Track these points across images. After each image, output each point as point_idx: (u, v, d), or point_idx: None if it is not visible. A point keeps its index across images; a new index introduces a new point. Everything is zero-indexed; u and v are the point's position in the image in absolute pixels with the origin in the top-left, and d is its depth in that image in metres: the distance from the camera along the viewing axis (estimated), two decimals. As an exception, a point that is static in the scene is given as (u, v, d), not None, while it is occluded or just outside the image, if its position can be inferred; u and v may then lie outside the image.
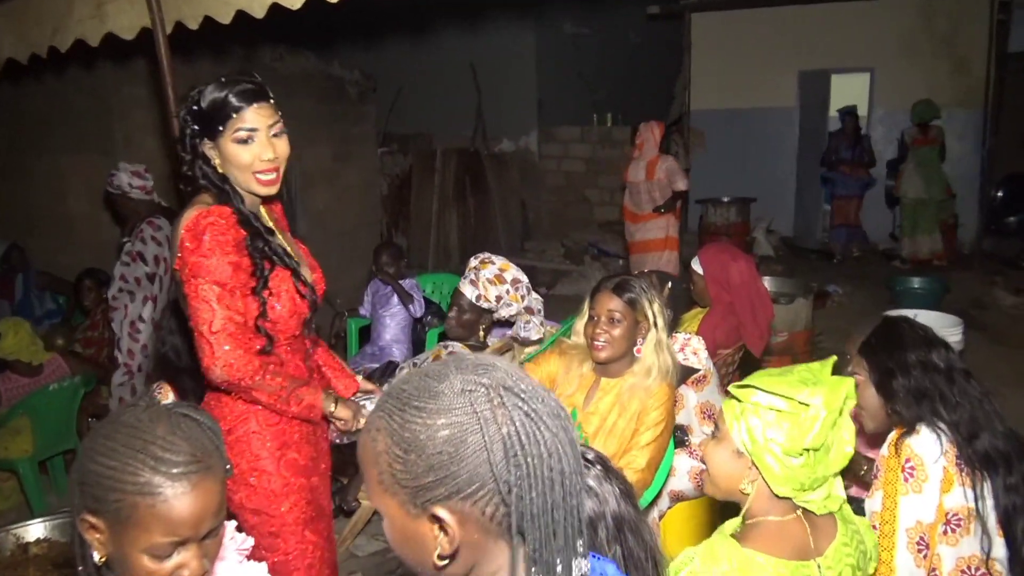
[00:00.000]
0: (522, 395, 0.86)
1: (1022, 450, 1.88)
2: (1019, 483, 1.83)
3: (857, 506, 1.83)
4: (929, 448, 1.84)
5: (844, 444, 1.41)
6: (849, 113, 8.26)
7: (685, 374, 2.74)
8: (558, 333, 3.19)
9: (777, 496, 1.43)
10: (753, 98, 9.18)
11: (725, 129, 9.25)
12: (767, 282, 4.22)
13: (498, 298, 3.11)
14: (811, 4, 8.68)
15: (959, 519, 1.81)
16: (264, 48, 5.98)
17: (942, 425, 1.86)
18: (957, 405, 1.87)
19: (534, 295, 3.24)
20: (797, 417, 1.37)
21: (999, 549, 1.82)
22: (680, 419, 2.69)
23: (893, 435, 1.92)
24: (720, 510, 2.39)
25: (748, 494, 1.45)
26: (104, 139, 5.18)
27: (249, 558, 1.43)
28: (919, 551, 1.82)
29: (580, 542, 0.86)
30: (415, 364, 3.31)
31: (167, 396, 1.19)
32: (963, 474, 1.82)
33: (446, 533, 0.85)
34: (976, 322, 5.62)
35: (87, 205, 5.31)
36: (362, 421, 1.95)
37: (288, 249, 1.98)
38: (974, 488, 1.81)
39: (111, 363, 4.11)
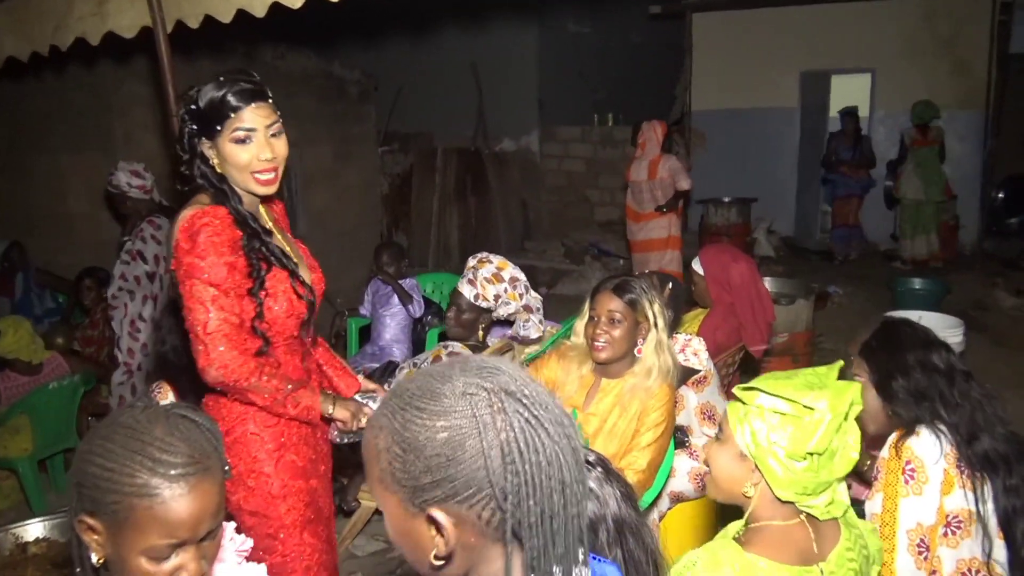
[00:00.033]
0: (524, 400, 0.85)
1: (1022, 452, 1.87)
2: (1019, 485, 1.82)
3: (857, 507, 1.83)
4: (929, 450, 1.83)
5: (849, 450, 1.39)
6: (850, 114, 8.25)
7: (686, 375, 2.74)
8: (558, 334, 3.19)
9: (780, 500, 1.42)
10: (754, 98, 9.16)
11: (726, 129, 9.23)
12: (768, 283, 4.21)
13: (496, 297, 3.10)
14: (812, 5, 8.66)
15: (959, 521, 1.81)
16: (265, 47, 5.98)
17: (942, 427, 1.85)
18: (957, 407, 1.86)
19: (532, 293, 3.23)
20: (801, 420, 1.36)
21: (999, 551, 1.82)
22: (680, 420, 2.69)
23: (893, 437, 1.91)
24: (720, 511, 2.39)
25: (751, 497, 1.44)
26: (104, 138, 5.18)
27: (248, 559, 1.43)
28: (919, 553, 1.81)
29: (581, 550, 0.85)
30: (415, 364, 3.31)
31: (166, 395, 1.19)
32: (963, 476, 1.81)
33: (442, 535, 0.85)
34: (977, 323, 5.61)
35: (87, 204, 5.31)
36: (363, 420, 1.94)
37: (286, 249, 1.97)
38: (974, 490, 1.80)
39: (111, 362, 4.11)
